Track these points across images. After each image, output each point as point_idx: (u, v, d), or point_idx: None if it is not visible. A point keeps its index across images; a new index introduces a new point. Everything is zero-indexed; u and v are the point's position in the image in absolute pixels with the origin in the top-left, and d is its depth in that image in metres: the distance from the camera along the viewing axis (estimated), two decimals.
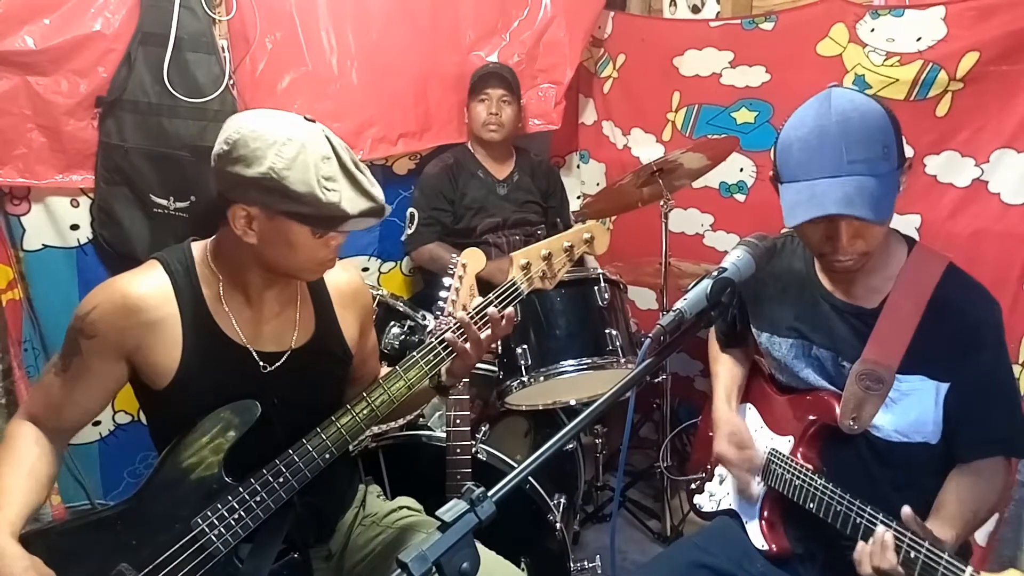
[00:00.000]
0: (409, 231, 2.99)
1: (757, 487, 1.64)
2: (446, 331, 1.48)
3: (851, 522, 1.38)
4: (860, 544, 1.35)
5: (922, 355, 1.42)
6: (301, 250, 1.35)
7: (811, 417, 1.55)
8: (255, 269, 1.42)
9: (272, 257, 1.38)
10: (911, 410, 1.44)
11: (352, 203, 1.30)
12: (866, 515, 1.36)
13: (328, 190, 1.27)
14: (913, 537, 1.26)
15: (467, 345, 1.48)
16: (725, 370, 1.83)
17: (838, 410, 1.49)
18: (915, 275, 1.44)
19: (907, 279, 1.44)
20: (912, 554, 1.25)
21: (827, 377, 1.54)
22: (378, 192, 1.35)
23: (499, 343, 2.29)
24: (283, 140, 1.26)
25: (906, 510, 1.28)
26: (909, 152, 1.40)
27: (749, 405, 1.77)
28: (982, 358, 1.41)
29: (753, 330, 1.70)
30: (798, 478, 1.51)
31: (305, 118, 1.33)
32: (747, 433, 1.67)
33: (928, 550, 1.23)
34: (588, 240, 1.63)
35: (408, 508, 1.72)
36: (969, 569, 1.18)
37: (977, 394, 1.42)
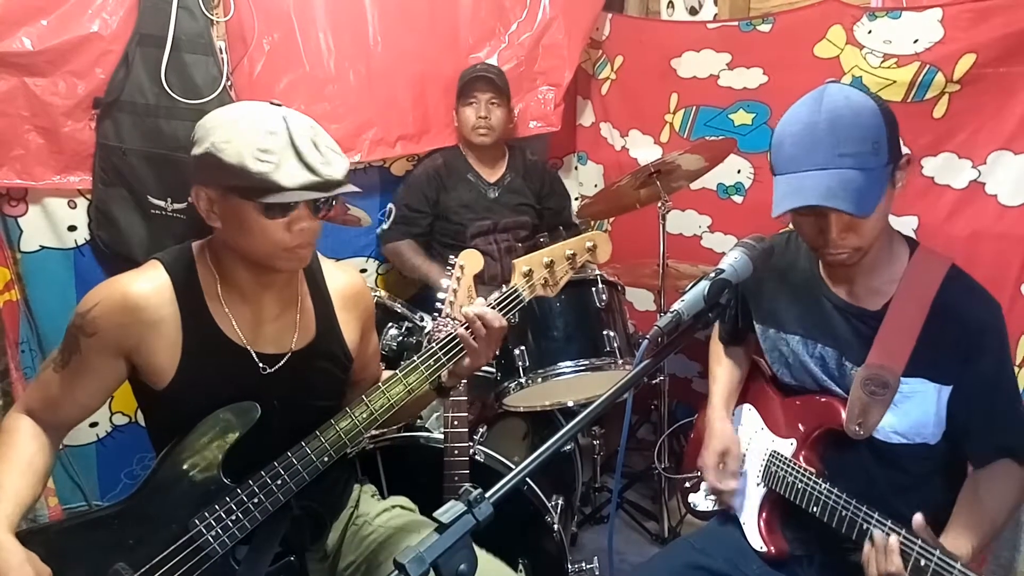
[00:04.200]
0: (384, 226, 2.98)
1: (755, 489, 1.64)
2: (454, 331, 1.48)
3: (857, 527, 1.38)
4: (867, 546, 1.35)
5: (924, 358, 1.41)
6: (256, 232, 1.32)
7: (816, 422, 1.55)
8: (241, 263, 1.41)
9: (236, 242, 1.37)
10: (912, 412, 1.44)
11: (288, 176, 1.27)
12: (874, 520, 1.36)
13: (260, 161, 1.25)
14: (923, 545, 1.27)
15: (476, 342, 1.47)
16: (724, 373, 1.83)
17: (844, 415, 1.49)
18: (917, 278, 1.44)
19: (909, 282, 1.44)
20: (923, 562, 1.25)
21: (830, 375, 1.54)
22: (329, 170, 1.30)
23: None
24: (231, 119, 1.29)
25: (917, 518, 1.30)
26: (907, 149, 1.39)
27: (749, 406, 1.77)
28: (984, 363, 1.41)
29: (756, 327, 1.69)
30: (801, 481, 1.51)
31: (271, 103, 1.34)
32: (737, 457, 1.66)
33: (940, 559, 1.24)
34: (591, 248, 1.63)
35: (401, 507, 1.72)
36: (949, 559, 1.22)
37: (981, 399, 1.42)
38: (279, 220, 1.32)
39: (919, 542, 1.28)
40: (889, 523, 1.34)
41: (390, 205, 3.00)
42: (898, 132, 1.37)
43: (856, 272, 1.48)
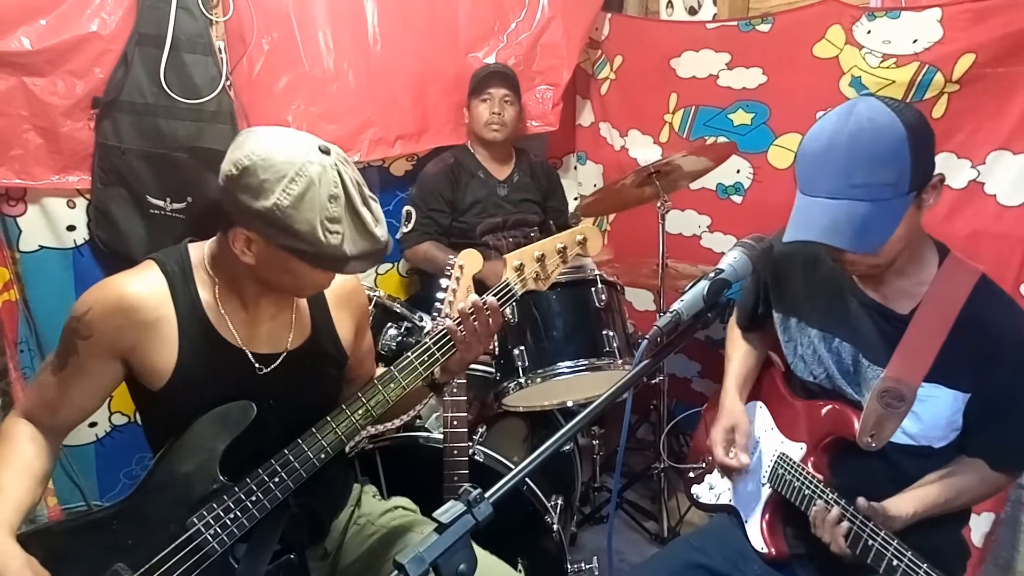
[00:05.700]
0: (405, 229, 2.97)
1: (760, 488, 1.64)
2: (445, 324, 1.48)
3: (863, 542, 1.38)
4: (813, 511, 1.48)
5: (944, 366, 1.40)
6: (300, 278, 1.36)
7: (828, 430, 1.55)
8: (250, 280, 1.41)
9: (269, 279, 1.39)
10: (924, 415, 1.43)
11: (353, 244, 1.29)
12: (867, 529, 1.37)
13: (330, 232, 1.25)
14: (864, 521, 1.38)
15: (466, 336, 1.48)
16: (740, 357, 1.81)
17: (857, 426, 1.48)
18: (945, 288, 1.42)
19: (937, 292, 1.42)
20: (854, 529, 1.40)
21: (844, 371, 1.53)
22: (381, 231, 1.33)
23: (495, 344, 2.30)
24: (292, 175, 1.23)
25: (860, 501, 1.40)
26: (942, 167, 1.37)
27: (760, 404, 1.76)
28: (1003, 373, 1.38)
29: (776, 315, 1.68)
30: (807, 487, 1.51)
31: (320, 148, 1.29)
32: (746, 432, 1.66)
33: (883, 536, 1.36)
34: (581, 242, 1.63)
35: (403, 508, 1.72)
36: (896, 542, 1.33)
37: (995, 408, 1.40)
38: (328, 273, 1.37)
39: (860, 517, 1.39)
40: (889, 536, 1.34)
41: (407, 208, 2.99)
42: (931, 151, 1.32)
43: (885, 273, 1.46)
